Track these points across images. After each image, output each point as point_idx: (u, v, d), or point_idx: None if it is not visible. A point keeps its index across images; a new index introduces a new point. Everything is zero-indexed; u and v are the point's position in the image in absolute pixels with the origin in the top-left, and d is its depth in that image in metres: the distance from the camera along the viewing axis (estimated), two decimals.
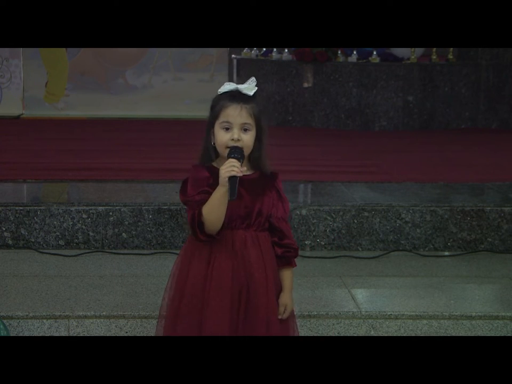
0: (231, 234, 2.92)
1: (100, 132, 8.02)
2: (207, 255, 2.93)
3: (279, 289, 2.98)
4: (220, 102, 2.91)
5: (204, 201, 2.86)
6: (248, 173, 2.95)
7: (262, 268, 2.93)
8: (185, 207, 3.01)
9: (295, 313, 3.08)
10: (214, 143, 2.92)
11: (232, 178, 2.78)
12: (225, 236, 2.91)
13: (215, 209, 2.84)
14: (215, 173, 2.86)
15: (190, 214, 2.90)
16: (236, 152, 2.83)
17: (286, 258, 2.99)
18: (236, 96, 2.89)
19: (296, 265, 3.04)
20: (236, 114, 2.86)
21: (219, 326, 2.87)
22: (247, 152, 2.90)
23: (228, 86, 2.94)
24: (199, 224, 2.87)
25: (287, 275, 3.00)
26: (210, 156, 2.94)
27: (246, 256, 2.92)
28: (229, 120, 2.86)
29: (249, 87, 2.91)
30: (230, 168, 2.78)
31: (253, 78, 2.94)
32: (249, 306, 2.90)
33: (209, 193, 2.86)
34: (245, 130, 2.87)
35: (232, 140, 2.85)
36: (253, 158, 2.95)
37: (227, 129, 2.87)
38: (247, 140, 2.88)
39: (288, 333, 3.01)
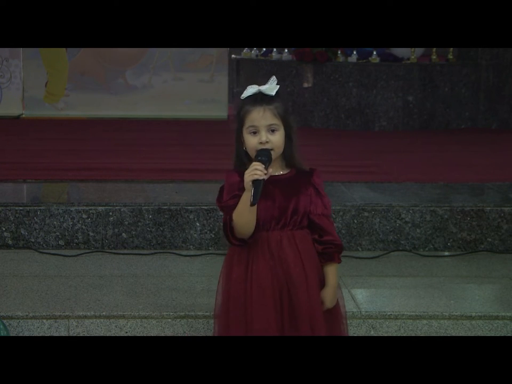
0: (266, 235, 2.93)
1: (99, 132, 8.02)
2: (245, 259, 2.95)
3: (323, 286, 3.00)
4: (243, 108, 2.91)
5: (236, 205, 2.87)
6: (283, 172, 2.96)
7: (300, 266, 2.94)
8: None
9: (343, 310, 3.10)
10: (245, 148, 2.92)
11: (255, 182, 2.78)
12: (261, 237, 2.93)
13: (243, 213, 2.85)
14: None
15: (223, 219, 2.92)
16: (261, 154, 2.84)
17: (328, 255, 3.00)
18: (257, 99, 2.89)
19: (340, 261, 3.04)
20: (259, 117, 2.86)
21: (266, 326, 2.90)
22: (278, 152, 2.91)
23: (250, 90, 2.93)
24: (230, 228, 2.89)
25: (329, 271, 3.01)
26: (243, 161, 2.95)
27: (282, 256, 2.93)
28: (254, 124, 2.87)
29: (270, 87, 2.90)
30: (253, 172, 2.78)
31: (274, 77, 2.93)
32: (292, 305, 2.93)
33: (240, 197, 2.87)
34: (273, 131, 2.88)
35: (261, 143, 2.85)
36: (286, 157, 2.95)
37: (254, 133, 2.87)
38: (276, 140, 2.88)
39: (335, 332, 3.04)
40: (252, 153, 2.89)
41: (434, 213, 4.74)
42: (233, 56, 9.59)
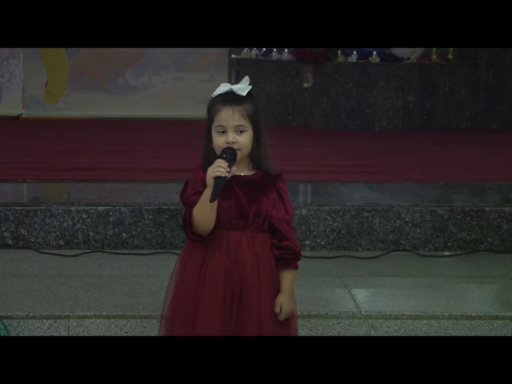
0: (226, 234, 2.92)
1: (99, 132, 8.02)
2: (202, 255, 2.94)
3: (278, 291, 2.97)
4: (214, 106, 2.90)
5: (197, 202, 2.87)
6: (249, 173, 2.95)
7: (255, 269, 2.92)
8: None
9: (296, 314, 3.07)
10: (212, 146, 2.92)
11: (217, 179, 2.77)
12: (221, 236, 2.92)
13: (203, 210, 2.84)
14: None
15: (183, 214, 2.93)
16: (226, 152, 2.83)
17: (285, 260, 2.96)
18: (228, 99, 2.88)
19: (297, 268, 3.00)
20: (228, 117, 2.85)
21: (210, 326, 2.89)
22: (245, 152, 2.90)
23: (222, 88, 2.92)
24: (189, 224, 2.88)
25: (286, 277, 2.98)
26: (210, 158, 2.93)
27: (239, 257, 2.91)
28: (222, 124, 2.86)
29: (242, 87, 2.89)
30: (216, 168, 2.78)
31: (247, 77, 2.92)
32: (241, 307, 2.91)
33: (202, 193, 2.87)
34: (241, 131, 2.87)
35: (227, 143, 2.85)
36: (253, 158, 2.94)
37: (223, 132, 2.87)
38: (243, 141, 2.87)
39: (288, 334, 3.01)
40: (219, 152, 2.88)
41: (434, 213, 4.74)
42: (233, 56, 9.59)
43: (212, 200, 2.78)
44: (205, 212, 2.85)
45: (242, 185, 2.90)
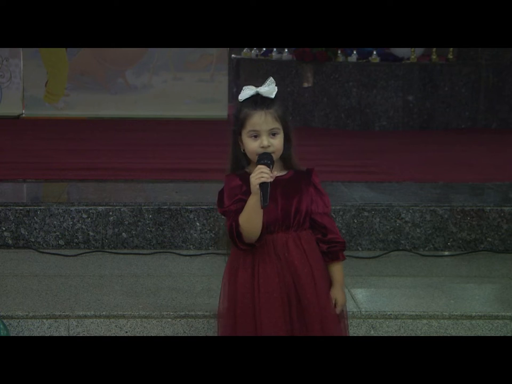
0: (271, 238, 2.92)
1: (99, 132, 8.02)
2: (251, 263, 2.94)
3: (330, 285, 3.01)
4: (243, 110, 2.88)
5: (240, 210, 2.86)
6: (282, 173, 2.95)
7: (307, 267, 2.93)
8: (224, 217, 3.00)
9: (345, 310, 3.10)
10: (243, 150, 2.91)
11: (263, 185, 2.76)
12: (266, 240, 2.91)
13: (250, 217, 2.83)
14: (248, 180, 2.85)
15: (229, 224, 2.89)
16: (264, 158, 2.82)
17: (333, 253, 3.00)
18: (258, 102, 2.86)
19: (344, 258, 3.05)
20: (261, 121, 2.84)
21: (275, 330, 2.89)
22: (278, 155, 2.89)
23: (248, 91, 2.89)
24: (237, 234, 2.86)
25: (336, 269, 3.02)
26: (242, 163, 2.94)
27: (289, 259, 2.92)
28: (256, 128, 2.85)
29: (269, 90, 2.88)
30: (260, 174, 2.76)
31: (271, 79, 2.90)
32: (301, 306, 2.92)
33: (244, 201, 2.85)
34: (273, 134, 2.87)
35: (262, 147, 2.84)
36: (284, 158, 2.94)
37: (255, 136, 2.86)
38: (277, 143, 2.87)
39: (341, 333, 3.05)
40: (252, 157, 2.87)
41: (434, 212, 4.74)
42: (233, 56, 9.59)
43: (264, 207, 2.77)
44: (253, 220, 2.84)
45: (278, 186, 2.89)
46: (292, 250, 2.93)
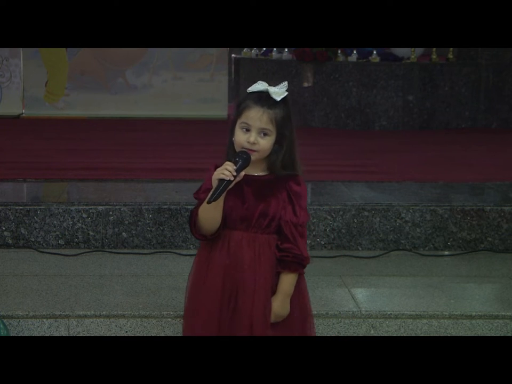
0: (229, 234, 2.91)
1: (99, 132, 8.02)
2: (206, 254, 2.95)
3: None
4: (245, 101, 2.87)
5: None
6: (260, 173, 2.93)
7: (253, 270, 2.90)
8: None
9: (311, 313, 3.06)
10: (233, 140, 2.90)
11: (220, 181, 2.76)
12: (224, 235, 2.91)
13: (207, 209, 2.83)
14: None
15: (191, 211, 2.92)
16: (239, 156, 2.81)
17: (284, 262, 2.92)
18: (261, 99, 2.85)
19: (298, 271, 2.95)
20: (256, 117, 2.83)
21: (208, 326, 2.90)
22: (262, 155, 2.87)
23: (258, 86, 2.88)
24: (194, 222, 2.88)
25: (283, 279, 2.93)
26: (229, 153, 2.92)
27: (239, 257, 2.91)
28: (248, 122, 2.83)
29: (278, 92, 2.86)
30: (221, 170, 2.76)
31: (285, 83, 2.89)
32: (236, 307, 2.91)
33: None
34: (264, 134, 2.85)
35: (248, 142, 2.83)
36: (269, 161, 2.91)
37: (246, 130, 2.85)
38: (264, 144, 2.85)
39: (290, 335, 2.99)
40: (238, 148, 2.86)
41: (434, 212, 4.74)
42: (233, 55, 9.59)
43: (208, 202, 2.76)
44: (208, 212, 2.84)
45: (251, 185, 2.88)
46: (244, 249, 2.90)
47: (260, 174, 2.92)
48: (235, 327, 2.90)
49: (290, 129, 2.93)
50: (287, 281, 2.94)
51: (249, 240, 2.91)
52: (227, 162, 2.78)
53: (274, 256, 2.93)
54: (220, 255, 2.91)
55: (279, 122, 2.86)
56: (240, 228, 2.91)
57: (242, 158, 2.81)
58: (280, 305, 2.93)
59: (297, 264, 2.94)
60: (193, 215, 2.89)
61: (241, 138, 2.85)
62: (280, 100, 2.86)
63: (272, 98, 2.85)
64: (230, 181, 2.76)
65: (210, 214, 2.84)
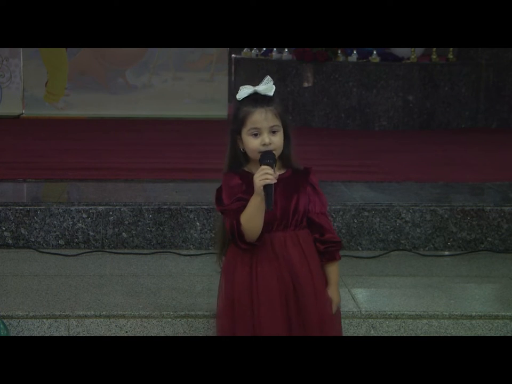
0: (269, 237, 2.92)
1: (100, 132, 8.02)
2: (248, 261, 2.94)
3: (326, 284, 3.01)
4: (243, 109, 2.88)
5: (241, 209, 2.85)
6: (281, 172, 2.94)
7: (306, 266, 2.94)
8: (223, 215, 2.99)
9: (341, 310, 3.12)
10: (243, 149, 2.91)
11: (267, 187, 2.76)
12: (264, 239, 2.91)
13: (253, 217, 2.83)
14: (248, 178, 2.85)
15: (229, 223, 2.89)
16: (267, 157, 2.82)
17: (330, 253, 3.00)
18: (258, 100, 2.87)
19: (340, 258, 3.05)
20: (262, 119, 2.84)
21: (274, 329, 2.89)
22: (279, 152, 2.90)
23: (245, 90, 2.90)
24: (239, 233, 2.86)
25: (332, 269, 3.02)
26: (240, 162, 2.93)
27: (287, 257, 2.93)
28: (257, 126, 2.85)
29: (268, 88, 2.88)
30: (264, 176, 2.76)
31: (269, 77, 2.91)
32: (299, 306, 2.93)
33: (244, 200, 2.85)
34: (274, 132, 2.87)
35: (264, 144, 2.84)
36: (284, 156, 2.94)
37: (256, 135, 2.85)
38: (277, 141, 2.88)
39: (339, 332, 3.08)
40: (254, 155, 2.87)
41: (435, 212, 4.74)
42: (233, 55, 9.59)
43: (270, 209, 2.77)
44: (255, 219, 2.84)
45: (277, 185, 2.87)
46: (290, 249, 2.93)
47: (280, 172, 2.94)
48: (305, 324, 2.93)
49: (288, 119, 2.95)
50: (336, 270, 3.04)
51: (292, 238, 2.94)
52: (263, 167, 2.78)
53: (316, 249, 2.98)
54: (268, 260, 2.92)
55: (282, 115, 2.90)
56: (279, 229, 2.93)
57: (272, 158, 2.83)
58: (337, 295, 3.03)
59: (339, 251, 3.04)
60: (236, 226, 2.86)
61: (254, 144, 2.86)
62: (273, 94, 2.89)
63: (265, 96, 2.87)
64: (274, 184, 2.78)
65: (257, 222, 2.84)
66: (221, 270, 3.06)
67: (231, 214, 2.89)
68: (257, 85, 2.91)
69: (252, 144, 2.86)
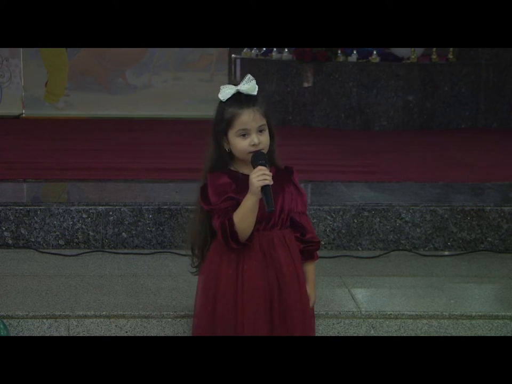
0: (257, 236, 2.92)
1: (100, 132, 8.02)
2: (235, 259, 2.93)
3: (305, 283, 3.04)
4: (228, 110, 2.87)
5: (231, 208, 2.85)
6: None
7: (292, 265, 2.96)
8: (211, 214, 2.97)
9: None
10: (229, 150, 2.90)
11: (265, 188, 2.76)
12: (253, 238, 2.91)
13: (246, 217, 2.83)
14: (236, 177, 2.86)
15: (219, 222, 2.87)
16: (260, 158, 2.81)
17: (309, 252, 3.03)
18: (242, 101, 2.86)
19: (318, 258, 3.10)
20: (250, 120, 2.84)
21: (256, 327, 2.90)
22: (266, 151, 2.90)
23: (228, 91, 2.89)
24: (232, 233, 2.85)
25: (310, 268, 3.07)
26: (225, 162, 2.92)
27: (275, 257, 2.93)
28: (246, 127, 2.84)
29: (251, 87, 2.88)
30: (262, 177, 2.76)
31: (250, 75, 2.90)
32: (283, 305, 2.93)
33: (234, 199, 2.84)
34: (261, 131, 2.87)
35: (253, 145, 2.84)
36: (269, 154, 2.93)
37: (244, 135, 2.85)
38: (265, 140, 2.88)
39: (314, 331, 3.11)
40: (242, 156, 2.87)
41: (434, 212, 4.74)
42: (233, 55, 9.59)
43: (271, 210, 2.77)
44: (248, 219, 2.84)
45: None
46: (278, 248, 2.94)
47: None
48: (288, 323, 2.94)
49: (272, 116, 2.96)
50: (313, 268, 3.08)
51: (279, 237, 2.95)
52: (260, 168, 2.78)
53: (297, 248, 3.00)
54: (255, 258, 2.92)
55: (267, 114, 2.90)
56: (266, 228, 2.93)
57: (265, 159, 2.83)
58: (313, 294, 3.08)
59: (317, 250, 3.08)
60: (228, 226, 2.84)
61: (243, 145, 2.85)
62: (256, 93, 2.88)
63: (250, 95, 2.87)
64: (271, 185, 2.79)
65: (250, 221, 2.84)
66: (201, 269, 3.05)
67: (221, 213, 2.88)
68: (238, 84, 2.89)
69: (241, 145, 2.85)
